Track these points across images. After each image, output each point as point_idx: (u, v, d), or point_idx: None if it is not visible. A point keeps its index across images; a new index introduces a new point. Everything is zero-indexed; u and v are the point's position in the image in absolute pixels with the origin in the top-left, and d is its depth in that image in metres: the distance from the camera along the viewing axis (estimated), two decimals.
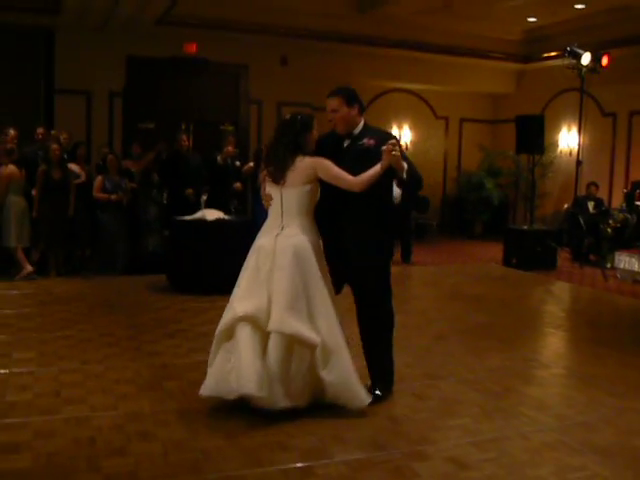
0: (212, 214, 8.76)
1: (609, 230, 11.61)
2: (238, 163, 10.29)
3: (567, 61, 11.61)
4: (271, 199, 4.70)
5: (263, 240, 4.66)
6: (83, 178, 9.73)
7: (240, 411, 4.45)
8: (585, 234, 11.73)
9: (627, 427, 4.44)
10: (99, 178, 9.56)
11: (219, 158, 10.30)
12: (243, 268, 4.68)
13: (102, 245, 9.61)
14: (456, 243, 15.12)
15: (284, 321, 4.31)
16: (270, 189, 4.70)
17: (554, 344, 7.03)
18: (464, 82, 15.86)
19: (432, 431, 4.27)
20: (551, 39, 14.20)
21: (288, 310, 4.33)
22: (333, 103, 4.74)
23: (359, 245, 4.65)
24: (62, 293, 8.37)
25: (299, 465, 3.75)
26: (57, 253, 9.44)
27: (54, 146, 9.34)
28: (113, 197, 9.49)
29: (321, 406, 4.48)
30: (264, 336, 4.37)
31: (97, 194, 9.50)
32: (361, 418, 4.44)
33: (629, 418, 4.63)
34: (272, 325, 4.34)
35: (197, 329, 6.70)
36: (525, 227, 12.20)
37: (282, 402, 4.30)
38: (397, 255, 11.50)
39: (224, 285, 8.18)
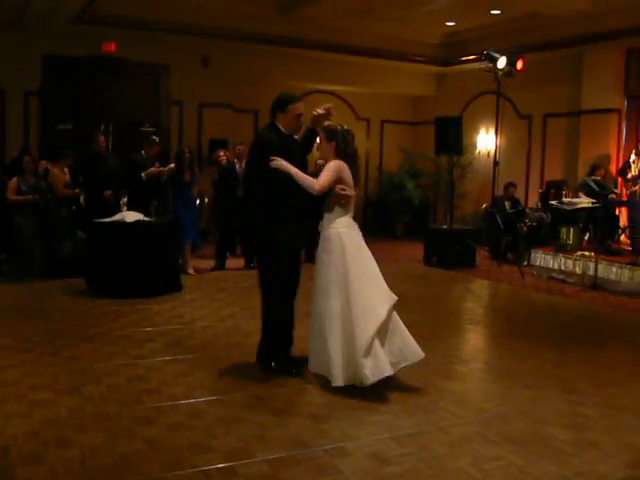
0: (132, 216, 8.61)
1: (525, 229, 11.96)
2: (157, 165, 10.07)
3: (484, 64, 11.89)
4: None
5: (358, 237, 5.28)
6: None
7: (162, 414, 4.42)
8: (503, 233, 12.03)
9: (540, 417, 4.60)
10: (14, 180, 9.24)
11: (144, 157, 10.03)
12: (358, 264, 5.13)
13: (18, 249, 9.30)
14: (378, 243, 15.12)
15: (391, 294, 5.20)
16: (350, 191, 5.24)
17: (473, 340, 7.20)
18: (385, 84, 16.06)
19: (353, 428, 4.30)
20: (469, 43, 14.51)
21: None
22: (303, 108, 5.39)
23: None
24: None
25: (220, 466, 3.72)
26: None
27: None
28: (29, 197, 9.20)
29: (244, 404, 4.52)
30: None
31: (12, 196, 9.19)
32: (283, 417, 4.46)
33: (542, 408, 4.79)
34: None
35: (117, 333, 6.58)
36: (445, 227, 12.44)
37: None
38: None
39: (145, 288, 8.23)
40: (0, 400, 4.66)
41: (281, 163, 5.05)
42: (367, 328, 4.90)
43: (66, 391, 4.89)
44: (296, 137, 5.46)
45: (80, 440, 4.02)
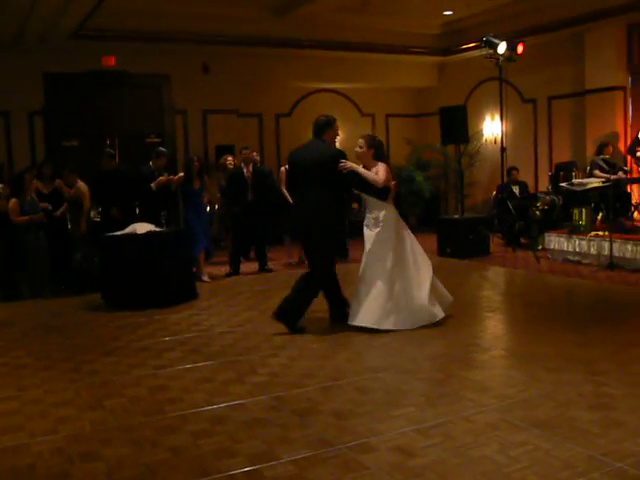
0: (143, 227, 8.63)
1: (537, 213, 11.90)
2: (165, 174, 10.06)
3: (485, 51, 11.85)
4: None
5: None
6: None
7: (185, 422, 4.42)
8: (515, 219, 11.97)
9: (564, 400, 4.56)
10: (13, 201, 9.17)
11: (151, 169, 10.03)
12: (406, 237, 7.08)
13: (29, 268, 9.29)
14: None
15: None
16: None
17: (492, 327, 7.15)
18: (387, 78, 16.02)
19: (377, 423, 4.29)
20: (469, 31, 14.46)
21: None
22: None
23: None
24: None
25: (246, 469, 3.72)
26: None
27: None
28: (34, 218, 9.17)
29: (266, 406, 4.52)
30: None
31: (16, 218, 9.13)
32: (306, 417, 4.45)
33: (566, 391, 4.75)
34: None
35: (135, 345, 6.59)
36: (457, 216, 12.38)
37: None
38: None
39: (160, 298, 8.23)
40: (24, 419, 4.68)
41: (352, 165, 6.60)
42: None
43: (89, 406, 4.90)
44: None
45: (105, 453, 4.02)
